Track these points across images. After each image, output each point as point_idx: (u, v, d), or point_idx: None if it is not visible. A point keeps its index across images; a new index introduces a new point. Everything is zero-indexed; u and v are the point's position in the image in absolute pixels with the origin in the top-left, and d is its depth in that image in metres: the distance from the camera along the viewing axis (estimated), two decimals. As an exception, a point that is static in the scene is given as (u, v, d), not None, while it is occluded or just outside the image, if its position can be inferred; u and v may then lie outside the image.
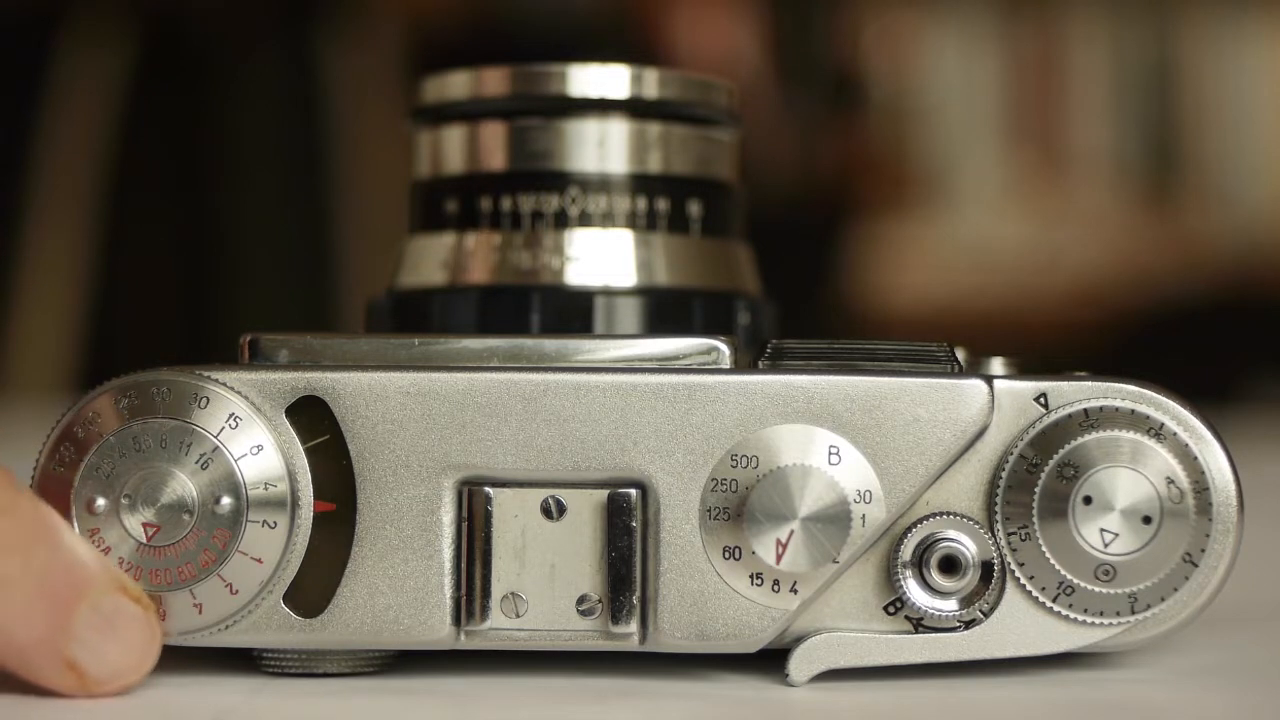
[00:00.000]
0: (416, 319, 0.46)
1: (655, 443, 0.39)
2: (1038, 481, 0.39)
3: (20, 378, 1.72)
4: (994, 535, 0.39)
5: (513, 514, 0.39)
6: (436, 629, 0.39)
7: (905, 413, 0.39)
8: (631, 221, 0.46)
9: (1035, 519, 0.39)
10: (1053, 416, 0.39)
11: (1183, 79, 2.17)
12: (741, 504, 0.38)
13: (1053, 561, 0.39)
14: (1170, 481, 0.39)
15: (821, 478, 0.38)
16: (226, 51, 1.71)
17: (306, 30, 1.75)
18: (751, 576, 0.39)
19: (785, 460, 0.38)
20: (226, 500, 0.38)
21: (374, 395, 0.39)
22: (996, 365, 0.41)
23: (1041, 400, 0.39)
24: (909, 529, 0.39)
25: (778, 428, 0.39)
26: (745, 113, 0.49)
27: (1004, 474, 0.39)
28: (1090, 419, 0.39)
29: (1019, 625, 0.39)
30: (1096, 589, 0.39)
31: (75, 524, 0.38)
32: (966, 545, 0.39)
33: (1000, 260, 2.10)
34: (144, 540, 0.38)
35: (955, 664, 0.39)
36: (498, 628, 0.39)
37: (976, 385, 0.39)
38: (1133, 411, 0.39)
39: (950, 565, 0.39)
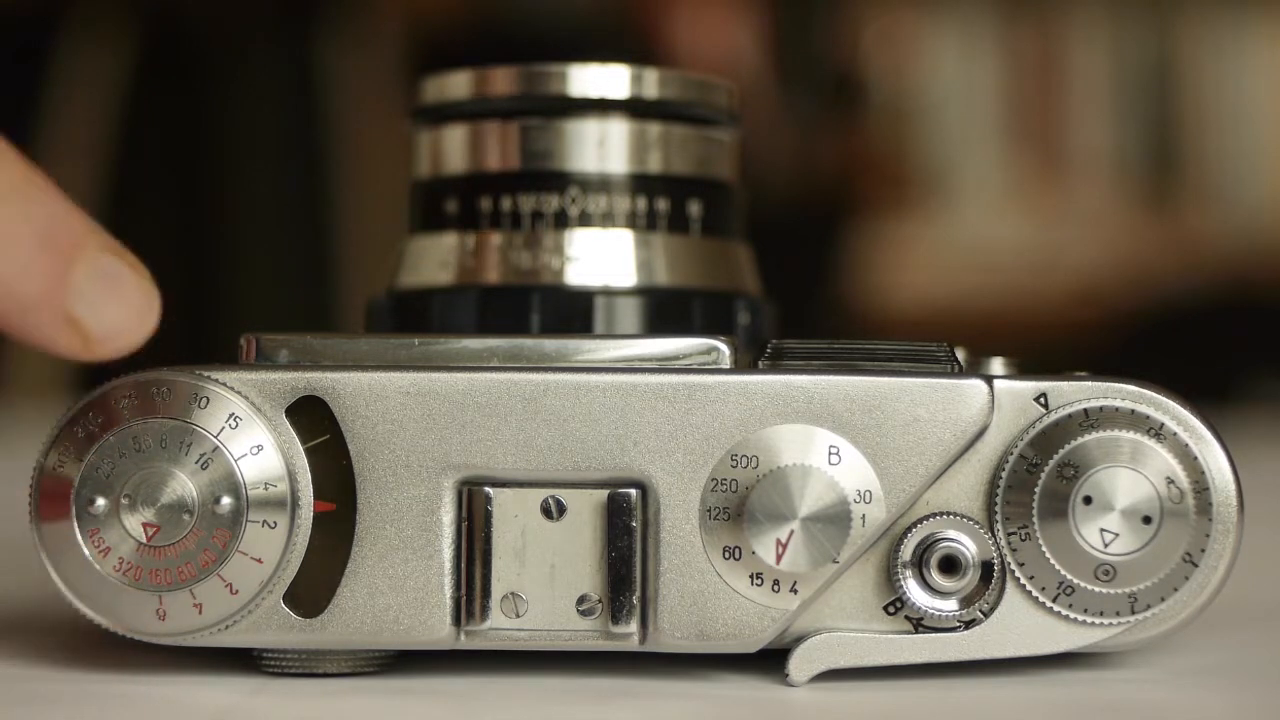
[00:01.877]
0: (416, 319, 0.46)
1: (655, 443, 0.39)
2: (1038, 481, 0.39)
3: (20, 378, 1.72)
4: (994, 535, 0.39)
5: (513, 514, 0.39)
6: (436, 629, 0.39)
7: (905, 413, 0.39)
8: (631, 221, 0.46)
9: (1035, 519, 0.39)
10: (1053, 416, 0.39)
11: (1183, 79, 2.17)
12: (741, 504, 0.38)
13: (1053, 561, 0.39)
14: (1170, 481, 0.39)
15: (821, 478, 0.38)
16: (226, 51, 1.71)
17: (306, 30, 1.75)
18: (751, 576, 0.39)
19: (785, 460, 0.38)
20: (226, 500, 0.38)
21: (374, 395, 0.39)
22: (996, 365, 0.41)
23: (1041, 400, 0.39)
24: (909, 529, 0.39)
25: (778, 428, 0.39)
26: (745, 113, 0.49)
27: (1004, 474, 0.39)
28: (1090, 419, 0.39)
29: (1019, 625, 0.39)
30: (1096, 589, 0.39)
31: (75, 524, 0.38)
32: (966, 545, 0.39)
33: (1000, 260, 2.10)
34: (144, 540, 0.38)
35: (955, 664, 0.39)
36: (498, 628, 0.39)
37: (976, 385, 0.39)
38: (1133, 411, 0.39)
39: (950, 565, 0.39)
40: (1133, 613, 0.39)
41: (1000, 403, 0.39)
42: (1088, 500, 0.39)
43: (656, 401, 0.39)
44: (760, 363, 0.40)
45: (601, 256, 0.45)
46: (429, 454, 0.39)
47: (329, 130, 1.73)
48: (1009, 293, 2.07)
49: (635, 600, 0.39)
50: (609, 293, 0.45)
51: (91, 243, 0.36)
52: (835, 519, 0.38)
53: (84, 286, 0.36)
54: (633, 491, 0.39)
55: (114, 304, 0.36)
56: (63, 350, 0.36)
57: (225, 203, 1.75)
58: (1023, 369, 0.41)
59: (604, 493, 0.39)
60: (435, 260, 0.46)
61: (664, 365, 0.39)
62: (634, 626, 0.39)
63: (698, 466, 0.39)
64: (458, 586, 0.39)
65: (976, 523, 0.39)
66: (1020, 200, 2.14)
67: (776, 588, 0.39)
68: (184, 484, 0.38)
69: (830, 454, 0.39)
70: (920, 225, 2.13)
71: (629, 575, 0.39)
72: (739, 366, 0.40)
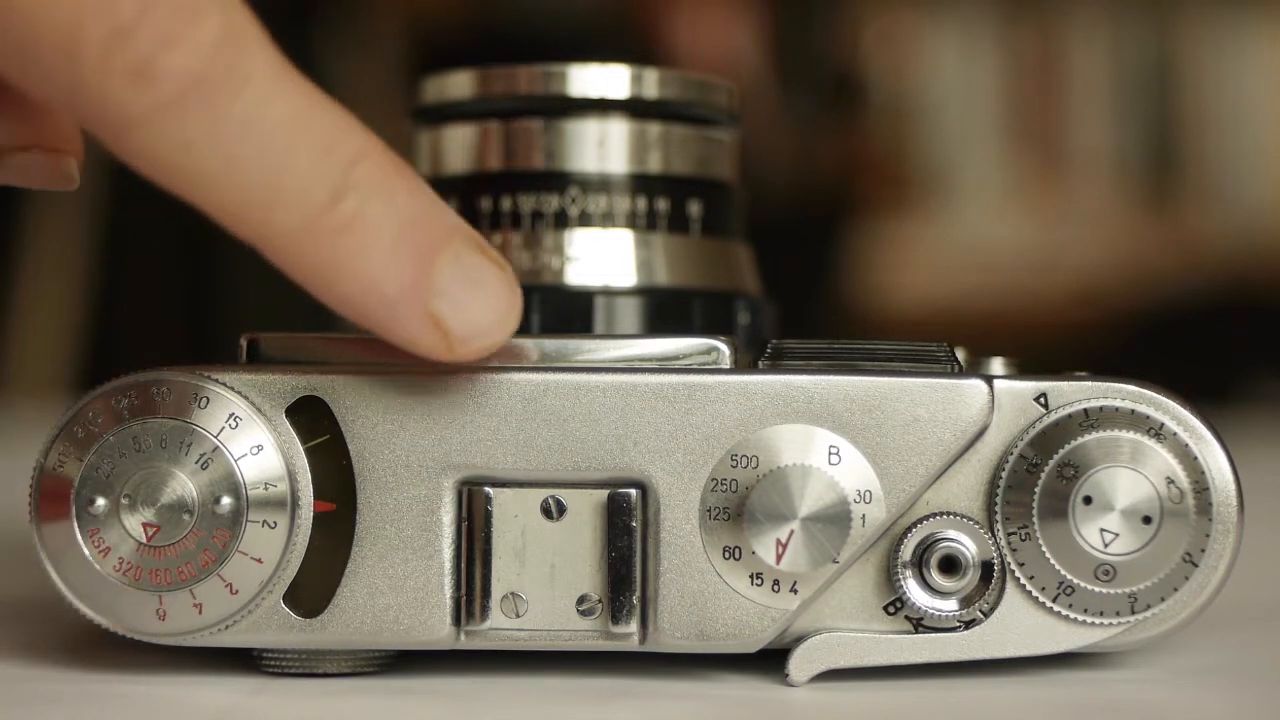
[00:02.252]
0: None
1: (655, 443, 0.39)
2: (1038, 481, 0.39)
3: (20, 378, 1.73)
4: (994, 535, 0.39)
5: (513, 514, 0.39)
6: (436, 629, 0.39)
7: (905, 413, 0.39)
8: (631, 221, 0.46)
9: (1035, 519, 0.39)
10: (1053, 416, 0.39)
11: (1183, 79, 2.17)
12: (741, 504, 0.38)
13: (1053, 561, 0.39)
14: (1170, 481, 0.39)
15: (821, 478, 0.38)
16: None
17: (306, 30, 1.75)
18: (751, 576, 0.39)
19: (785, 460, 0.38)
20: (226, 500, 0.38)
21: (374, 395, 0.39)
22: (996, 365, 0.41)
23: (1041, 400, 0.39)
24: (909, 529, 0.39)
25: (778, 428, 0.39)
26: (745, 113, 0.49)
27: (1004, 474, 0.39)
28: (1090, 419, 0.39)
29: (1019, 625, 0.39)
30: (1096, 589, 0.39)
31: (75, 524, 0.38)
32: (966, 545, 0.39)
33: (1000, 260, 2.10)
34: (144, 540, 0.38)
35: (955, 664, 0.39)
36: (498, 628, 0.39)
37: (976, 385, 0.39)
38: (1133, 411, 0.39)
39: (950, 565, 0.39)
40: (1133, 613, 0.39)
41: (1000, 403, 0.39)
42: (1088, 500, 0.39)
43: (656, 401, 0.39)
44: (760, 363, 0.40)
45: (601, 256, 0.45)
46: (429, 454, 0.39)
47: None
48: (1009, 293, 2.07)
49: (635, 600, 0.39)
50: (609, 293, 0.45)
51: (455, 239, 0.35)
52: (835, 519, 0.38)
53: (446, 284, 0.35)
54: (633, 491, 0.39)
55: (476, 302, 0.36)
56: (425, 349, 0.36)
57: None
58: (1023, 369, 0.41)
59: (604, 493, 0.39)
60: (435, 260, 0.46)
61: (664, 365, 0.39)
62: (634, 626, 0.39)
63: (698, 466, 0.39)
64: (458, 586, 0.39)
65: (976, 523, 0.39)
66: (1020, 200, 2.14)
67: (776, 588, 0.39)
68: (184, 484, 0.38)
69: (830, 454, 0.39)
70: (920, 225, 2.13)
71: (629, 575, 0.39)
72: (739, 366, 0.40)
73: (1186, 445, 0.39)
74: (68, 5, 0.32)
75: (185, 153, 0.34)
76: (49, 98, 0.34)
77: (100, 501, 0.38)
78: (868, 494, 0.39)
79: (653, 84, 0.47)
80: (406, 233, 0.35)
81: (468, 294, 0.36)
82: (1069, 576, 0.39)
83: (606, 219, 0.46)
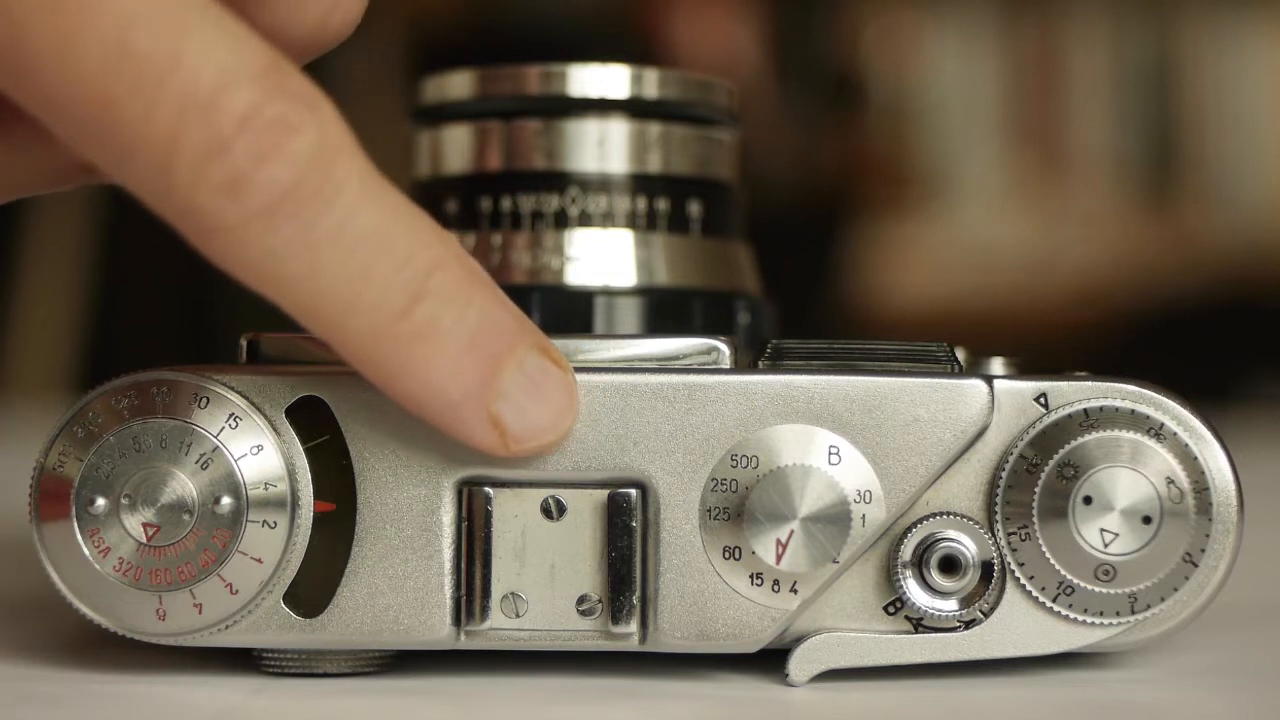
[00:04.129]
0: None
1: (655, 443, 0.39)
2: (1038, 481, 0.39)
3: (20, 378, 1.73)
4: (994, 535, 0.39)
5: (513, 514, 0.39)
6: (436, 629, 0.39)
7: (905, 413, 0.39)
8: (631, 221, 0.46)
9: (1035, 519, 0.39)
10: (1053, 416, 0.39)
11: (1183, 79, 2.17)
12: (741, 504, 0.38)
13: (1053, 561, 0.39)
14: (1170, 481, 0.39)
15: (821, 478, 0.38)
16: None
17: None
18: (751, 576, 0.39)
19: (785, 460, 0.38)
20: (226, 500, 0.38)
21: (374, 395, 0.39)
22: (996, 365, 0.41)
23: (1041, 400, 0.39)
24: (909, 529, 0.39)
25: (778, 428, 0.39)
26: (745, 113, 0.49)
27: (1004, 474, 0.39)
28: (1090, 419, 0.39)
29: (1019, 625, 0.39)
30: (1096, 589, 0.39)
31: (75, 524, 0.38)
32: (966, 545, 0.39)
33: (1000, 260, 2.10)
34: (144, 540, 0.38)
35: (955, 664, 0.39)
36: (498, 628, 0.39)
37: (976, 385, 0.39)
38: (1133, 411, 0.39)
39: (950, 565, 0.39)
40: (1133, 613, 0.39)
41: (1000, 403, 0.39)
42: (1088, 500, 0.39)
43: (656, 401, 0.39)
44: (760, 363, 0.40)
45: (601, 256, 0.45)
46: (429, 454, 0.39)
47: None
48: (1009, 293, 2.07)
49: (635, 600, 0.39)
50: (609, 293, 0.45)
51: (520, 345, 0.37)
52: (835, 519, 0.38)
53: (509, 388, 0.37)
54: (633, 491, 0.39)
55: (536, 405, 0.37)
56: (480, 446, 0.37)
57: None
58: (1023, 369, 0.41)
59: (604, 493, 0.39)
60: (435, 260, 0.46)
61: (664, 365, 0.39)
62: (634, 626, 0.39)
63: (698, 466, 0.39)
64: (458, 586, 0.39)
65: (976, 523, 0.39)
66: (1020, 200, 2.14)
67: (776, 588, 0.39)
68: (184, 484, 0.38)
69: (830, 454, 0.39)
70: (920, 225, 2.13)
71: (629, 575, 0.39)
72: (739, 366, 0.40)
73: (1186, 445, 0.39)
74: (167, 116, 0.33)
75: (271, 260, 0.34)
76: (136, 194, 0.35)
77: (100, 501, 0.38)
78: (868, 494, 0.39)
79: (653, 84, 0.47)
80: (476, 340, 0.36)
81: (529, 398, 0.37)
82: (1069, 576, 0.39)
83: (606, 219, 0.46)
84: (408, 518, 0.39)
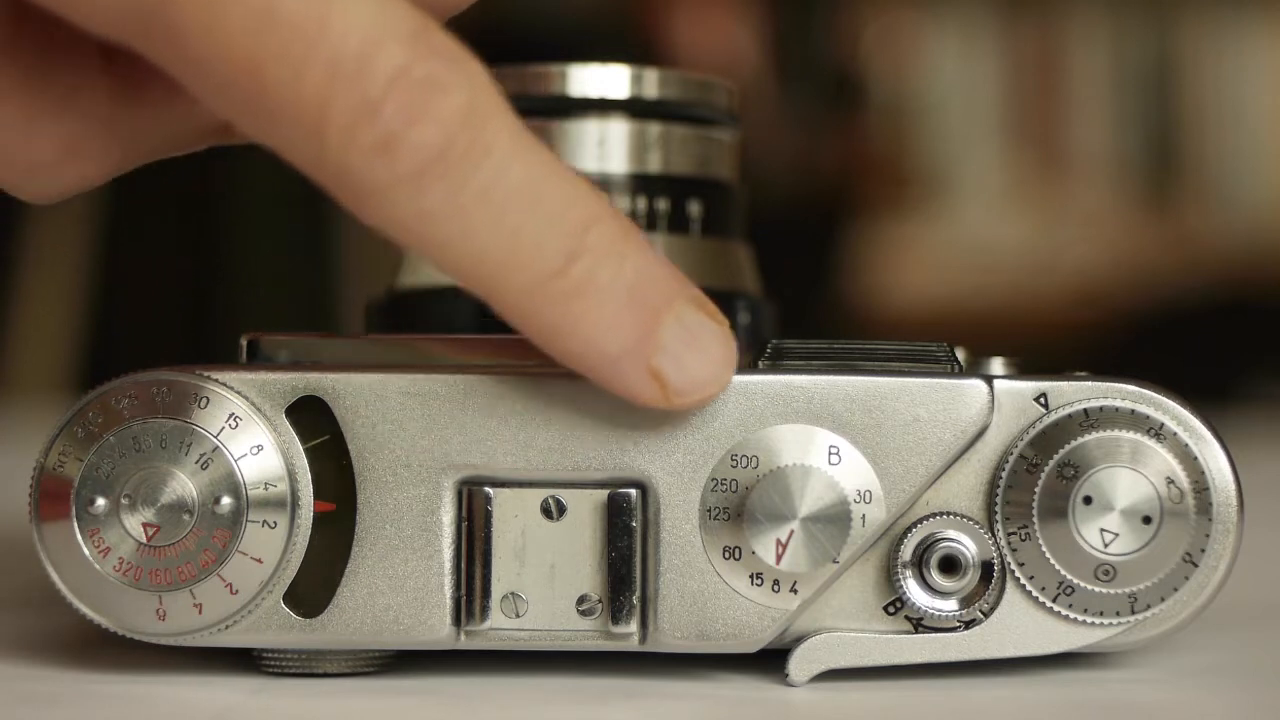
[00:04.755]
0: (416, 319, 0.46)
1: (655, 443, 0.39)
2: (1038, 481, 0.39)
3: (20, 378, 1.73)
4: (994, 535, 0.39)
5: (513, 514, 0.39)
6: (436, 629, 0.39)
7: (905, 413, 0.39)
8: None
9: (1035, 519, 0.39)
10: (1053, 416, 0.39)
11: (1183, 79, 2.17)
12: (741, 504, 0.38)
13: (1053, 561, 0.39)
14: (1170, 481, 0.39)
15: (821, 478, 0.38)
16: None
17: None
18: (751, 576, 0.39)
19: (785, 460, 0.38)
20: (226, 500, 0.38)
21: (374, 395, 0.39)
22: (996, 365, 0.41)
23: (1041, 400, 0.39)
24: (909, 529, 0.39)
25: (778, 428, 0.39)
26: (745, 113, 0.49)
27: (1004, 474, 0.39)
28: (1090, 419, 0.39)
29: (1019, 625, 0.39)
30: (1096, 589, 0.39)
31: (75, 524, 0.38)
32: (966, 545, 0.39)
33: (1000, 260, 2.10)
34: (144, 540, 0.38)
35: (955, 664, 0.39)
36: (498, 628, 0.39)
37: (976, 385, 0.39)
38: (1133, 411, 0.39)
39: (950, 565, 0.39)
40: (1133, 613, 0.39)
41: (1000, 403, 0.39)
42: (1088, 500, 0.39)
43: (656, 401, 0.39)
44: (760, 363, 0.40)
45: (601, 256, 0.45)
46: (429, 454, 0.39)
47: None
48: (1009, 293, 2.07)
49: (635, 600, 0.39)
50: (609, 293, 0.45)
51: (678, 299, 0.37)
52: (835, 519, 0.38)
53: (668, 341, 0.37)
54: (633, 491, 0.39)
55: (696, 358, 0.37)
56: (642, 400, 0.37)
57: (225, 202, 1.75)
58: (1023, 369, 0.41)
59: (604, 493, 0.39)
60: (435, 260, 0.46)
61: (664, 365, 0.39)
62: (634, 626, 0.39)
63: (698, 466, 0.39)
64: (458, 586, 0.39)
65: (976, 523, 0.39)
66: (1020, 200, 2.14)
67: (776, 588, 0.39)
68: (184, 484, 0.38)
69: (830, 454, 0.39)
70: (920, 225, 2.13)
71: (629, 575, 0.39)
72: (739, 366, 0.40)
73: (1186, 445, 0.39)
74: (316, 80, 0.33)
75: (424, 221, 0.35)
76: (288, 159, 0.35)
77: (100, 501, 0.38)
78: (868, 494, 0.39)
79: (653, 84, 0.47)
80: (634, 295, 0.36)
81: (688, 351, 0.37)
82: (1069, 576, 0.39)
83: (606, 219, 0.45)
84: (408, 518, 0.39)
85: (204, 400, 0.38)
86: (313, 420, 0.39)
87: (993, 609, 0.39)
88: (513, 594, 0.39)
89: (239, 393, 0.38)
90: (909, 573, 0.39)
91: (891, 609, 0.39)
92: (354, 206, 0.35)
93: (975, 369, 0.41)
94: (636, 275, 0.36)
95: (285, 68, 0.33)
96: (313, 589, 0.39)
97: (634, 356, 0.36)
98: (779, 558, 0.38)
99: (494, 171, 0.34)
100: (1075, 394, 0.39)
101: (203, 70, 0.33)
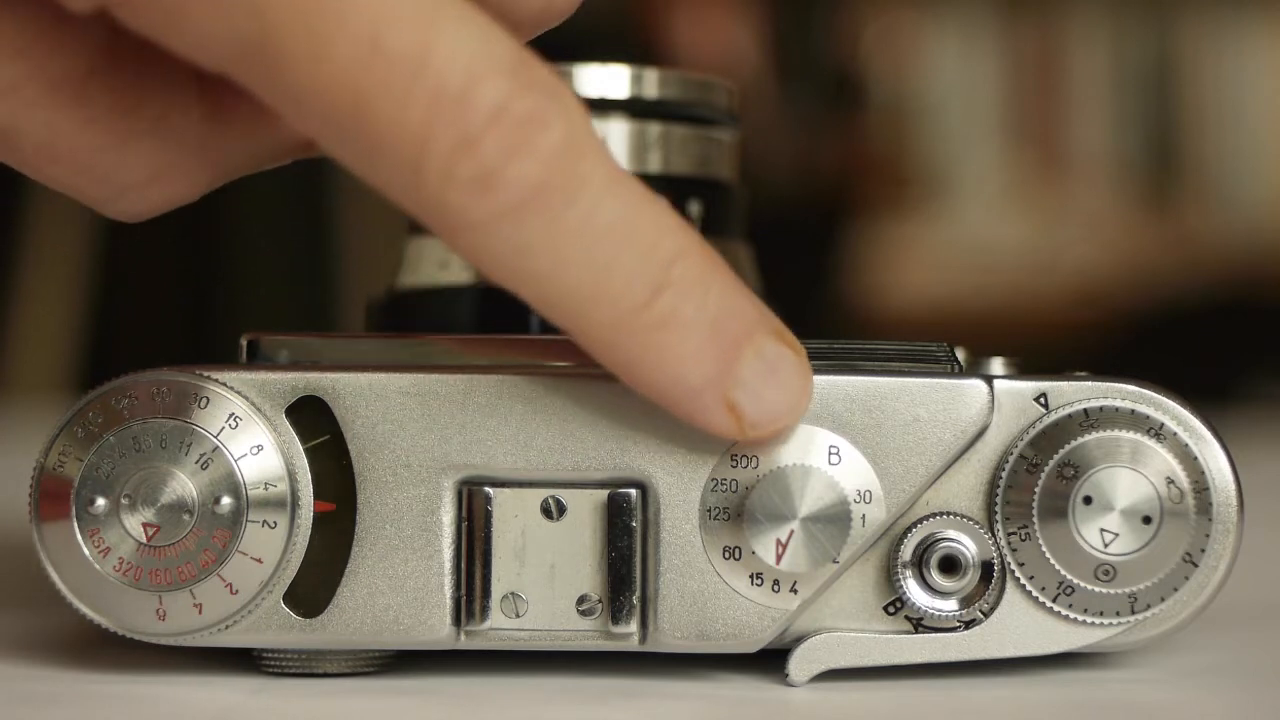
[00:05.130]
0: (416, 319, 0.46)
1: (655, 443, 0.39)
2: (1038, 481, 0.39)
3: (20, 378, 1.72)
4: (994, 535, 0.39)
5: (513, 514, 0.39)
6: (436, 629, 0.39)
7: (905, 413, 0.39)
8: (631, 221, 0.46)
9: (1035, 519, 0.39)
10: (1053, 416, 0.39)
11: (1183, 79, 2.17)
12: (741, 504, 0.38)
13: (1053, 561, 0.39)
14: (1170, 481, 0.39)
15: (821, 478, 0.38)
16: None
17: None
18: (751, 576, 0.39)
19: (785, 460, 0.38)
20: (226, 500, 0.38)
21: (374, 395, 0.39)
22: (996, 365, 0.41)
23: (1041, 400, 0.39)
24: (909, 529, 0.39)
25: (778, 428, 0.39)
26: (745, 113, 0.49)
27: (1004, 474, 0.39)
28: (1090, 419, 0.39)
29: (1019, 625, 0.39)
30: (1096, 589, 0.39)
31: (75, 524, 0.38)
32: (966, 545, 0.39)
33: (1000, 260, 2.10)
34: (144, 540, 0.38)
35: (955, 664, 0.39)
36: (498, 628, 0.39)
37: (976, 385, 0.39)
38: (1133, 411, 0.39)
39: (950, 565, 0.39)
40: (1133, 613, 0.39)
41: (1000, 403, 0.39)
42: (1088, 500, 0.39)
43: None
44: (760, 363, 0.40)
45: (601, 256, 0.45)
46: (429, 454, 0.39)
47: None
48: (1009, 293, 2.07)
49: (635, 600, 0.39)
50: (609, 293, 0.45)
51: (758, 331, 0.37)
52: (835, 519, 0.38)
53: (746, 375, 0.37)
54: (633, 491, 0.39)
55: (773, 390, 0.37)
56: (717, 431, 0.37)
57: (225, 202, 1.75)
58: (1023, 369, 0.41)
59: (604, 493, 0.39)
60: (435, 260, 0.46)
61: (664, 365, 0.39)
62: (634, 626, 0.39)
63: (698, 466, 0.39)
64: (458, 586, 0.39)
65: (976, 523, 0.39)
66: (1020, 200, 2.14)
67: (776, 588, 0.39)
68: (184, 484, 0.38)
69: (830, 454, 0.39)
70: (920, 225, 2.13)
71: (629, 575, 0.39)
72: (739, 366, 0.40)
73: (1186, 445, 0.39)
74: (419, 113, 0.33)
75: (518, 255, 0.35)
76: (380, 189, 0.35)
77: (100, 501, 0.38)
78: (868, 494, 0.39)
79: (653, 84, 0.47)
80: (716, 328, 0.36)
81: (765, 383, 0.37)
82: (1069, 576, 0.39)
83: (606, 219, 0.45)
84: (408, 518, 0.39)
85: (204, 400, 0.38)
86: (313, 420, 0.39)
87: (993, 609, 0.39)
88: (513, 594, 0.39)
89: (239, 393, 0.38)
90: (909, 573, 0.39)
91: (891, 609, 0.39)
92: (449, 239, 0.35)
93: (975, 369, 0.41)
94: (719, 308, 0.36)
95: (388, 101, 0.33)
96: (313, 589, 0.39)
97: (714, 390, 0.36)
98: (779, 558, 0.38)
99: (589, 206, 0.34)
100: (1075, 394, 0.39)
101: (304, 101, 0.33)
